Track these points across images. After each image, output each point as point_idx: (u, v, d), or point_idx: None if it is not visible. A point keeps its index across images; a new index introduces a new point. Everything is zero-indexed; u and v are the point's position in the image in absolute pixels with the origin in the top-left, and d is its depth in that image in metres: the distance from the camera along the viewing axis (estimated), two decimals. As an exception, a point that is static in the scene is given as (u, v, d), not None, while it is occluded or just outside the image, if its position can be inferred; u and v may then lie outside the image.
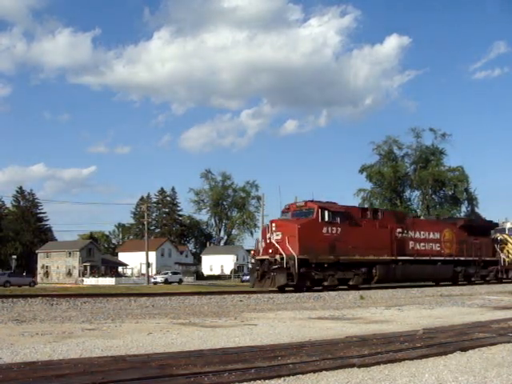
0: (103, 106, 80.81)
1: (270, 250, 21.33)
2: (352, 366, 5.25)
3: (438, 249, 27.42)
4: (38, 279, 79.46)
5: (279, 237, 21.37)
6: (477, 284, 28.98)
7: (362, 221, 23.80)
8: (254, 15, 75.93)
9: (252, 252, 24.49)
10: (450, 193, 55.00)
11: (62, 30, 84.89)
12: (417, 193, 56.85)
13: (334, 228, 22.40)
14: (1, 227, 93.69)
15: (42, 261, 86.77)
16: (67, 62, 77.48)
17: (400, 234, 25.35)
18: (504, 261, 30.99)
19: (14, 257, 66.66)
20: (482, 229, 30.80)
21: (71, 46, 74.26)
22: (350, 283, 22.88)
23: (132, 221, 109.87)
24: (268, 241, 21.66)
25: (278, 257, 20.72)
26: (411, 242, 26.00)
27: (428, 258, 26.43)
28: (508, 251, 31.70)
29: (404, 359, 5.63)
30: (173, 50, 76.09)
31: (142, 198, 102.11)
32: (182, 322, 9.64)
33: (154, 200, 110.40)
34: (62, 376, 4.54)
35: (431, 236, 27.18)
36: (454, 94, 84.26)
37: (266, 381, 4.61)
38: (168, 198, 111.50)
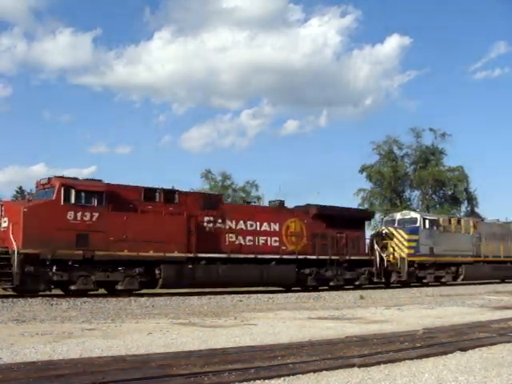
0: (104, 106, 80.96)
1: None
2: (352, 365, 5.25)
3: (277, 244, 20.91)
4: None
5: (6, 224, 16.42)
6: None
7: (142, 205, 17.99)
8: (254, 15, 75.97)
9: None
10: (450, 193, 54.98)
11: (62, 29, 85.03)
12: (417, 193, 56.75)
13: (88, 213, 16.68)
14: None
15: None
16: (68, 62, 77.51)
17: (210, 224, 19.29)
18: (383, 260, 23.99)
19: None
20: (349, 220, 23.52)
21: (72, 46, 74.29)
22: (119, 287, 17.13)
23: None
24: None
25: None
26: (230, 235, 19.68)
27: (253, 256, 19.86)
28: (393, 248, 25.17)
29: (404, 359, 5.63)
30: (173, 50, 76.13)
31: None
32: (182, 322, 9.65)
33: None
34: (61, 376, 4.55)
35: (265, 228, 20.79)
36: (454, 94, 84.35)
37: (266, 381, 4.61)
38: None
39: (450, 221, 28.23)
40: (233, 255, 19.41)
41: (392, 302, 15.72)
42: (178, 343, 6.92)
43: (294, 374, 4.83)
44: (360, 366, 5.25)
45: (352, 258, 23.03)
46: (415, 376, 4.93)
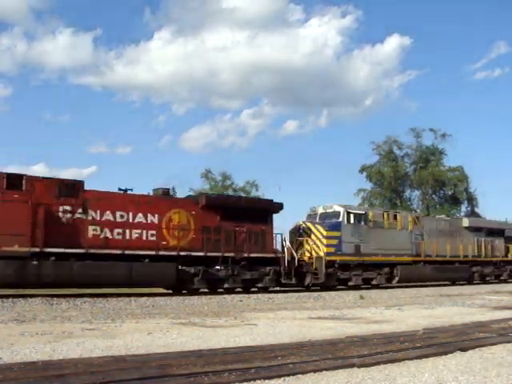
0: (104, 106, 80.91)
1: None
2: (352, 366, 5.26)
3: (154, 239, 18.11)
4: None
5: None
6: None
7: None
8: (254, 15, 75.95)
9: None
10: (450, 193, 55.03)
11: (62, 29, 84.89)
12: (417, 193, 56.80)
13: None
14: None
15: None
16: (68, 62, 77.46)
17: (68, 215, 16.80)
18: (294, 259, 20.94)
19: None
20: (252, 212, 20.27)
21: (72, 46, 74.23)
22: None
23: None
24: None
25: None
26: (92, 228, 17.08)
27: (120, 251, 17.05)
28: (311, 246, 22.11)
29: (404, 359, 5.64)
30: (173, 50, 76.13)
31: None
32: (182, 322, 9.65)
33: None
34: (61, 376, 4.55)
35: (139, 219, 18.08)
36: (454, 94, 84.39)
37: (266, 381, 4.61)
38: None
39: (383, 215, 24.73)
40: (93, 250, 16.59)
41: (392, 302, 15.73)
42: (178, 343, 6.92)
43: (294, 374, 4.83)
44: (360, 366, 5.25)
45: (252, 255, 19.88)
46: (415, 376, 4.93)
